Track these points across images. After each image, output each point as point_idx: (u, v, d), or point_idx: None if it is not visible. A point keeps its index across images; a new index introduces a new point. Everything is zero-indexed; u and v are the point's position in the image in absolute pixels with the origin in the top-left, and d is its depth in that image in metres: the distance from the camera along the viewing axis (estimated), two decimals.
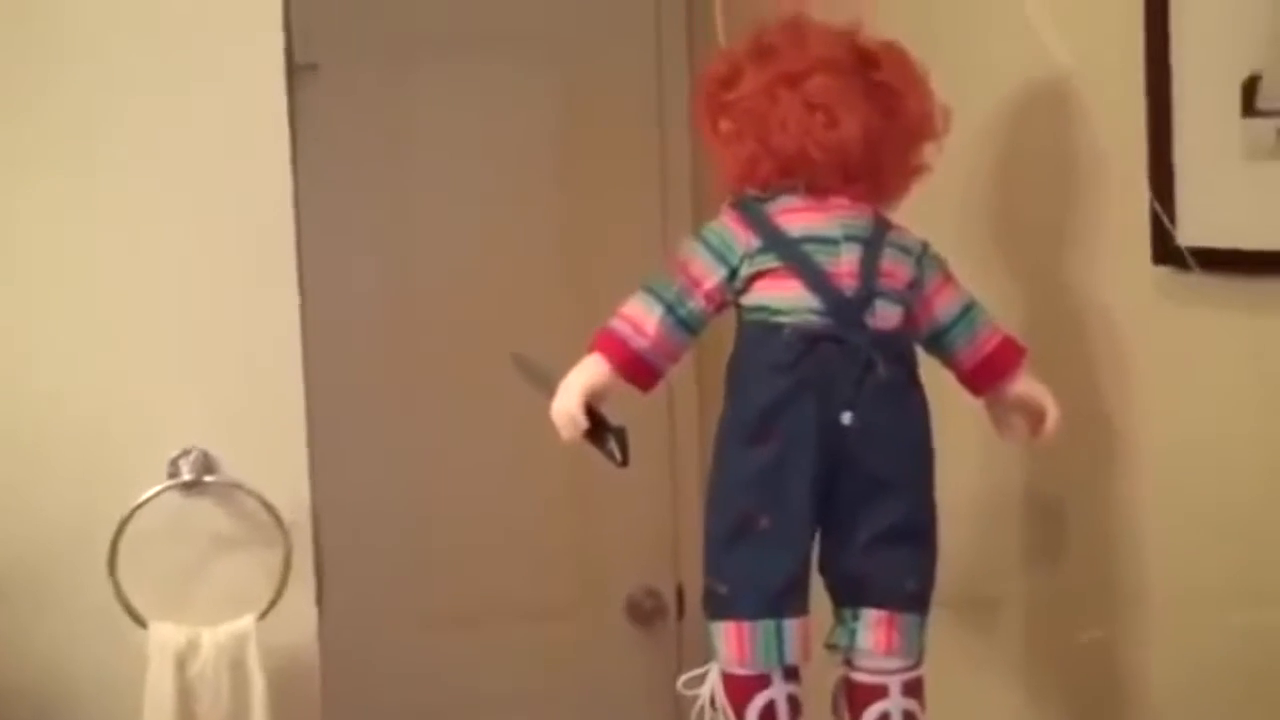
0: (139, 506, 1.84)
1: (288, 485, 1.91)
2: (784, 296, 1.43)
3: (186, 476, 1.87)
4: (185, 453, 1.88)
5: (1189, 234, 1.42)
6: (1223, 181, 1.39)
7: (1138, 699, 1.58)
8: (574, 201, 2.54)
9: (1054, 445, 1.52)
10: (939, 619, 1.47)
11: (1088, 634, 1.61)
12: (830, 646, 1.46)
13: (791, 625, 1.42)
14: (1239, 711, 1.44)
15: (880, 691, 1.43)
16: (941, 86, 1.50)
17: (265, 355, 1.92)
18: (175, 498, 1.88)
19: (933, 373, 1.50)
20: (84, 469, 1.86)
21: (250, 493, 1.89)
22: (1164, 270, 1.46)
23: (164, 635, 1.83)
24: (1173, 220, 1.43)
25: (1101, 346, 1.59)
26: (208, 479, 1.88)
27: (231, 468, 1.90)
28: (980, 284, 1.53)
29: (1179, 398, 1.49)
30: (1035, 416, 1.51)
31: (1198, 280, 1.41)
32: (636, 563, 2.61)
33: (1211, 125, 1.39)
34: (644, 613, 2.61)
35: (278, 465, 1.92)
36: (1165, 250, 1.45)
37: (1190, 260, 1.40)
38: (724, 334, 1.48)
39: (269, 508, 1.89)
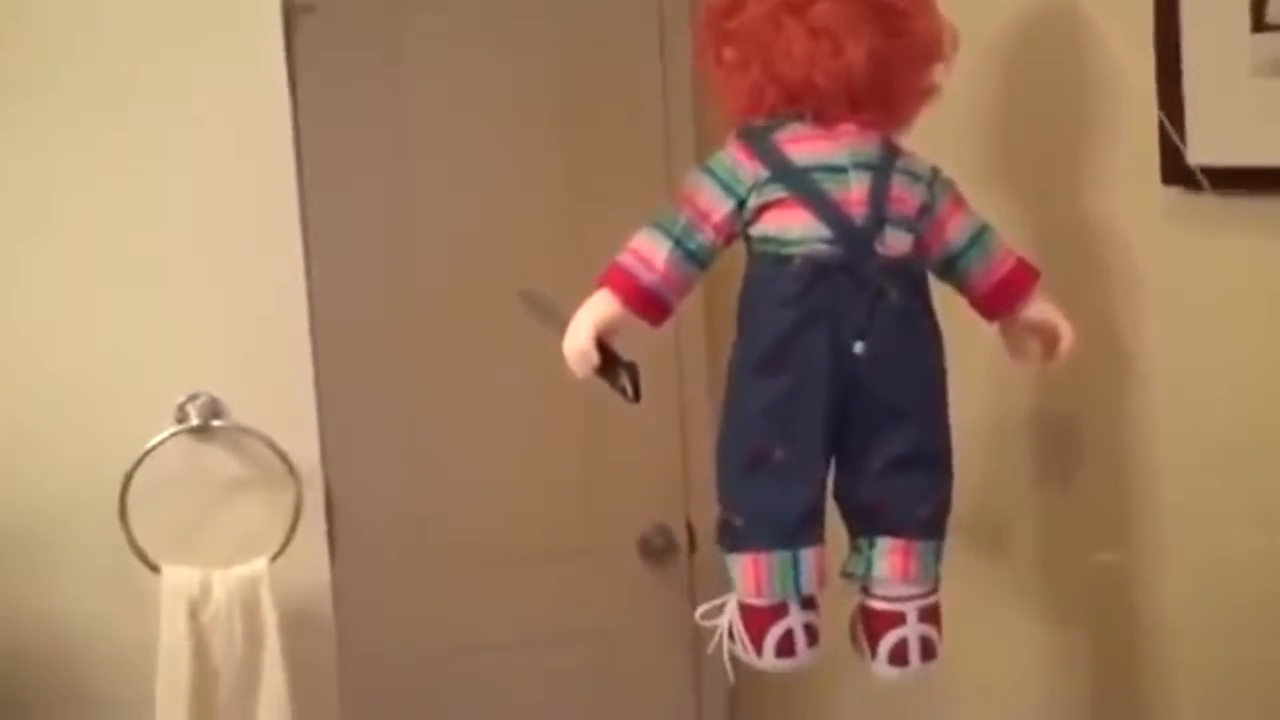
0: (148, 452, 1.84)
1: (296, 428, 1.91)
2: (793, 227, 1.42)
3: (195, 421, 1.87)
4: (193, 397, 1.88)
5: (1199, 153, 1.41)
6: (1233, 98, 1.38)
7: (1152, 620, 1.59)
8: (576, 138, 2.51)
9: (1065, 368, 1.52)
10: (954, 544, 1.47)
11: (1101, 556, 1.62)
12: (847, 575, 1.47)
13: (808, 555, 1.42)
14: (1252, 633, 1.44)
15: (897, 618, 1.44)
16: (948, 7, 1.48)
17: (270, 299, 1.92)
18: (185, 442, 1.87)
19: (943, 298, 1.49)
20: (92, 415, 1.85)
21: (259, 436, 1.89)
22: (1174, 190, 1.45)
23: (177, 579, 1.83)
24: (1183, 139, 1.42)
25: (1112, 268, 1.58)
26: (216, 423, 1.88)
27: (240, 412, 1.90)
28: (990, 207, 1.52)
29: (1189, 319, 1.49)
30: (1049, 340, 1.51)
31: (1208, 200, 1.40)
32: (647, 500, 2.60)
33: (1221, 42, 1.38)
34: (655, 550, 2.61)
35: (286, 408, 1.91)
36: (1175, 170, 1.44)
37: (1201, 178, 1.39)
38: (733, 267, 1.47)
39: (278, 451, 1.88)
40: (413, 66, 2.45)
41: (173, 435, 1.86)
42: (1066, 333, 1.49)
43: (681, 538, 2.62)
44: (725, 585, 1.46)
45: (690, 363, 2.54)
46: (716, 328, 2.32)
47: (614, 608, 2.61)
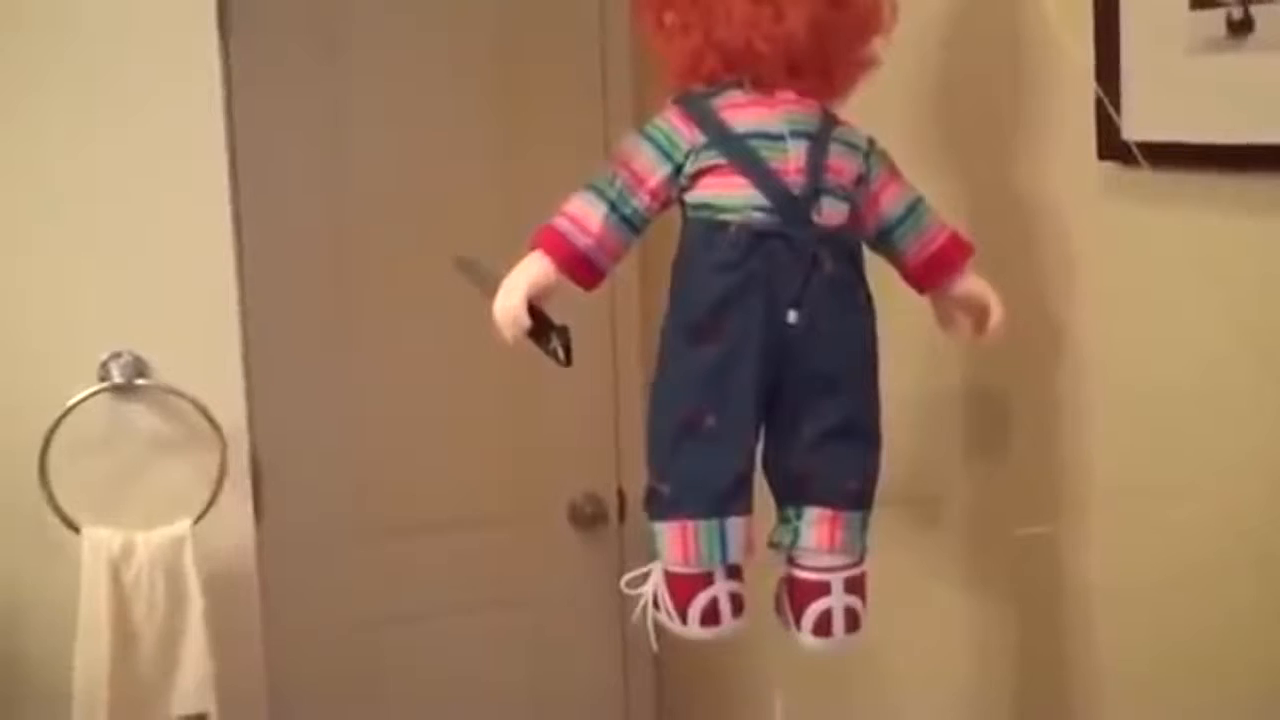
0: (70, 410, 1.81)
1: (222, 389, 1.89)
2: (730, 194, 1.40)
3: (118, 379, 1.84)
4: (116, 355, 1.85)
5: (1135, 128, 1.41)
6: (1170, 75, 1.38)
7: (1078, 594, 1.60)
8: (514, 101, 2.49)
9: (997, 342, 1.52)
10: (882, 516, 1.47)
11: (1029, 530, 1.62)
12: (773, 545, 1.46)
13: (735, 524, 1.41)
14: (1174, 601, 1.45)
15: (823, 588, 1.43)
16: None
17: (198, 257, 1.89)
18: (107, 401, 1.85)
19: (878, 270, 1.49)
20: (13, 371, 1.83)
21: (184, 396, 1.86)
22: (1109, 165, 1.46)
23: (98, 540, 1.80)
24: (1119, 114, 1.42)
25: (1046, 242, 1.59)
26: (140, 382, 1.85)
27: (164, 372, 1.88)
28: (925, 180, 1.52)
29: (1122, 294, 1.50)
30: (980, 314, 1.51)
31: (1143, 175, 1.40)
32: (578, 467, 2.60)
33: (1160, 18, 1.38)
34: (585, 517, 2.61)
35: (212, 368, 1.90)
36: (1111, 145, 1.44)
37: (1138, 154, 1.39)
38: (668, 232, 1.46)
39: (203, 411, 1.86)
40: (349, 25, 2.42)
41: (95, 393, 1.83)
42: (996, 309, 1.50)
43: (612, 505, 2.62)
44: (655, 553, 1.45)
45: (624, 329, 2.53)
46: (651, 294, 2.31)
47: (544, 575, 2.60)
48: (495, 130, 2.49)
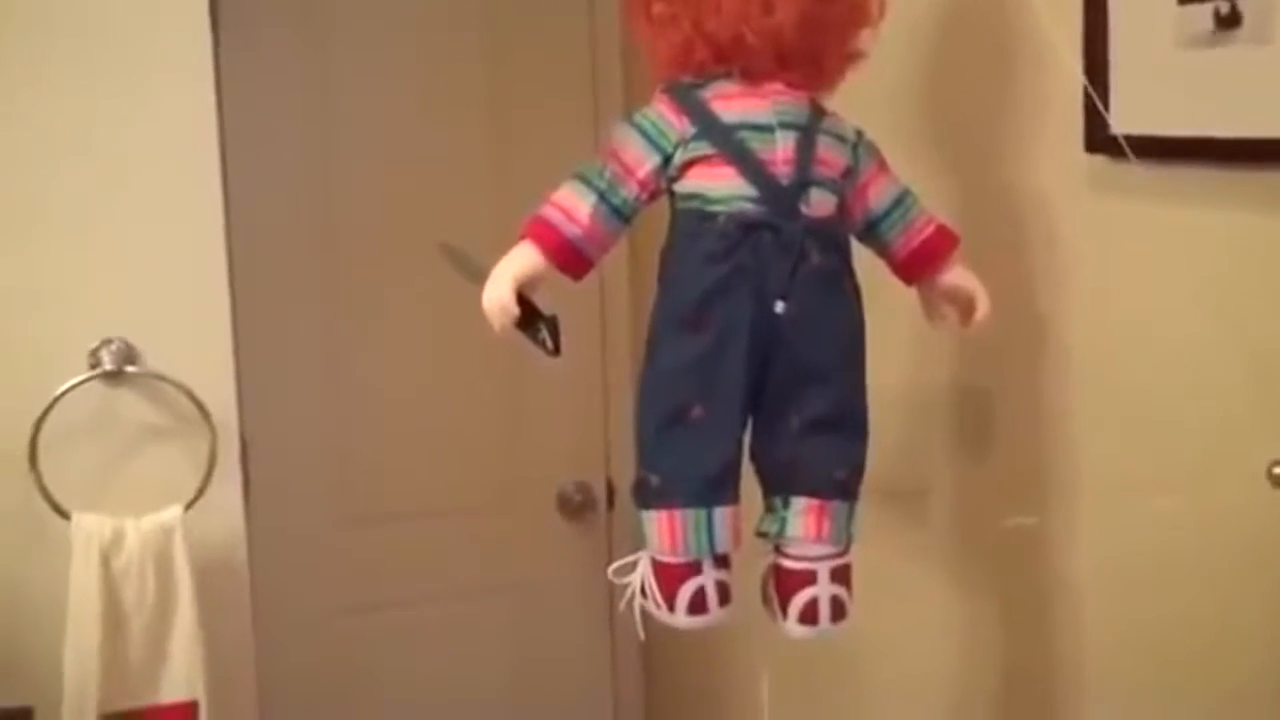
0: (60, 397, 1.81)
1: (212, 376, 1.90)
2: (719, 184, 1.41)
3: (108, 367, 1.84)
4: (106, 343, 1.85)
5: (1123, 122, 1.42)
6: (1158, 69, 1.39)
7: (1063, 585, 1.61)
8: (503, 89, 2.49)
9: (984, 334, 1.52)
10: (868, 507, 1.47)
11: (1014, 521, 1.63)
12: (760, 534, 1.47)
13: (722, 513, 1.42)
14: (1154, 590, 1.46)
15: (809, 578, 1.44)
16: None
17: (188, 243, 1.90)
18: (98, 388, 1.85)
19: (866, 262, 1.49)
20: (3, 359, 1.82)
21: (174, 383, 1.87)
22: (1097, 158, 1.46)
23: (88, 527, 1.81)
24: (1107, 108, 1.42)
25: (1033, 234, 1.59)
26: (130, 369, 1.86)
27: (154, 359, 1.88)
28: (912, 172, 1.52)
29: (1109, 286, 1.50)
30: (966, 306, 1.51)
31: (1130, 168, 1.41)
32: (567, 457, 2.61)
33: (1148, 12, 1.39)
34: (574, 506, 2.62)
35: (202, 356, 1.90)
36: (1098, 138, 1.45)
37: (1125, 147, 1.40)
38: (657, 222, 1.47)
39: (193, 398, 1.86)
40: (340, 22, 2.42)
41: (85, 381, 1.84)
42: (983, 301, 1.50)
43: (601, 494, 2.62)
44: (642, 542, 1.46)
45: (614, 319, 2.54)
46: (640, 284, 2.31)
47: (532, 563, 2.61)
48: (485, 121, 2.49)
